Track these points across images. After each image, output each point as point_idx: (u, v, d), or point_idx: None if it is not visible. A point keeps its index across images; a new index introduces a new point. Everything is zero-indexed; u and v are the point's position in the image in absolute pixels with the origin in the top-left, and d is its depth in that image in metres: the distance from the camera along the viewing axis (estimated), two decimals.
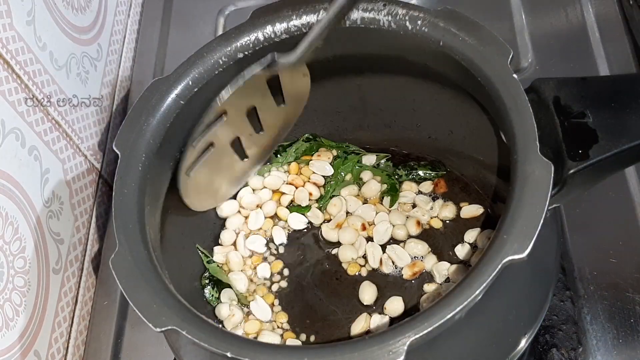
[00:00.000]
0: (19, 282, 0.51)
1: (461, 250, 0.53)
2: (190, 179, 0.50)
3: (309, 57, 0.48)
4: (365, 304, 0.53)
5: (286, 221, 0.58)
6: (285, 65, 0.48)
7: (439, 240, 0.55)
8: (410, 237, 0.55)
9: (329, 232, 0.56)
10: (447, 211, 0.56)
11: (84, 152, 0.63)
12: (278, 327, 0.53)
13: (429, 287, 0.52)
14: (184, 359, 0.45)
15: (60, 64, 0.60)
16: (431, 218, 0.56)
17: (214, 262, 0.56)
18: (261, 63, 0.48)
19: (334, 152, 0.61)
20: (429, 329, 0.35)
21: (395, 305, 0.52)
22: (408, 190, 0.58)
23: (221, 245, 0.57)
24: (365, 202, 0.58)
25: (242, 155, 0.55)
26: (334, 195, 0.58)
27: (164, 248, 0.47)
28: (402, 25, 0.47)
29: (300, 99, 0.54)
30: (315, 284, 0.55)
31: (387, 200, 0.57)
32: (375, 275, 0.54)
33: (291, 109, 0.54)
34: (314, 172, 0.59)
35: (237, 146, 0.54)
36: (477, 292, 0.36)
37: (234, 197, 0.58)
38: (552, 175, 0.38)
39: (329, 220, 0.58)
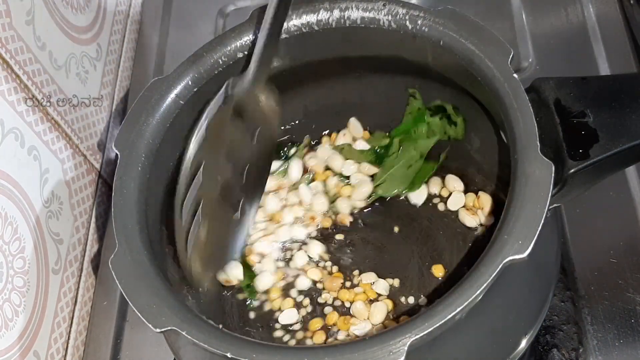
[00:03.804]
0: (18, 283, 0.51)
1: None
2: (194, 251, 0.45)
3: (271, 71, 0.47)
4: None
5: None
6: (245, 86, 0.46)
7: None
8: None
9: None
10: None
11: (83, 152, 0.63)
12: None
13: None
14: None
15: (60, 64, 0.60)
16: None
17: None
18: (217, 101, 0.46)
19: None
20: (430, 329, 0.35)
21: None
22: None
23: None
24: None
25: (235, 206, 0.50)
26: None
27: (164, 248, 0.47)
28: (402, 25, 0.47)
29: (274, 120, 0.50)
30: None
31: None
32: None
33: (265, 144, 0.50)
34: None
35: (227, 198, 0.49)
36: (478, 292, 0.36)
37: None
38: (553, 175, 0.38)
39: None
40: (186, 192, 0.45)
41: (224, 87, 0.46)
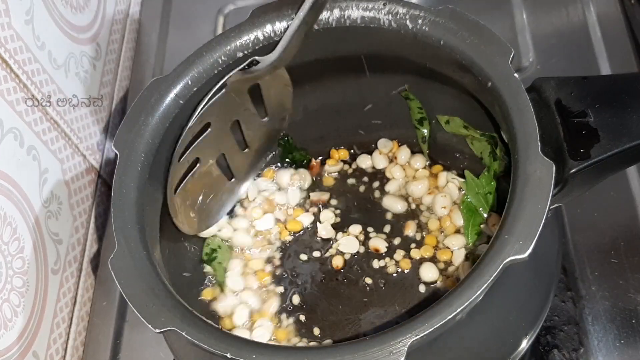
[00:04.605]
0: (18, 283, 0.51)
1: None
2: (178, 198, 0.49)
3: (289, 61, 0.49)
4: None
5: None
6: (266, 67, 0.48)
7: None
8: None
9: None
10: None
11: (82, 151, 0.63)
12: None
13: None
14: None
15: (59, 63, 0.60)
16: None
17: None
18: (237, 71, 0.48)
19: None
20: (430, 330, 0.35)
21: None
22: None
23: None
24: None
25: (229, 174, 0.55)
26: None
27: (163, 248, 0.47)
28: (402, 24, 0.47)
29: (283, 112, 0.54)
30: None
31: None
32: None
33: (275, 122, 0.54)
34: None
35: (222, 164, 0.53)
36: (478, 292, 0.36)
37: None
38: (554, 174, 0.38)
39: None
40: (188, 147, 0.48)
41: (247, 61, 0.48)
